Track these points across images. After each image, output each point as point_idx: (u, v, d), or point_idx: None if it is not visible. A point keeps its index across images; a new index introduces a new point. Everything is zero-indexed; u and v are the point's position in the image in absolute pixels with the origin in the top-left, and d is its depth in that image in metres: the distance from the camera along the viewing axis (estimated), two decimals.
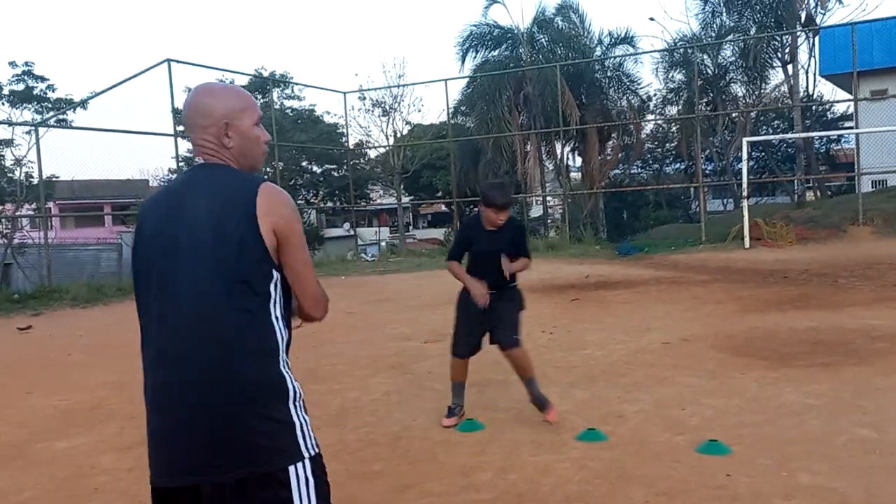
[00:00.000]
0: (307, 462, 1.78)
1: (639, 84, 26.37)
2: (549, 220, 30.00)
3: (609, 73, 26.18)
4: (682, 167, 31.96)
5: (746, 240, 16.28)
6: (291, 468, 1.74)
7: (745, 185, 17.57)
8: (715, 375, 5.57)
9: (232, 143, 1.90)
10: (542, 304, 9.84)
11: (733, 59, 25.21)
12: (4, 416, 5.50)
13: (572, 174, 29.67)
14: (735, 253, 15.54)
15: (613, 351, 6.64)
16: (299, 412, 1.80)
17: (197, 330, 1.75)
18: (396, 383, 5.88)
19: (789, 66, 24.53)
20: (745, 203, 17.24)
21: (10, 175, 20.52)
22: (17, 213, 20.56)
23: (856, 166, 18.31)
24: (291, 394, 1.79)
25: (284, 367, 1.81)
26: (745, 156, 17.88)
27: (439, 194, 31.46)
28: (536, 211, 33.02)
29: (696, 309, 8.71)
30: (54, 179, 19.71)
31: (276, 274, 1.81)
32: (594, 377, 5.74)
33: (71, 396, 6.01)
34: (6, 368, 7.33)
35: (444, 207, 41.42)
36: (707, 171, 27.87)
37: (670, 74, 26.44)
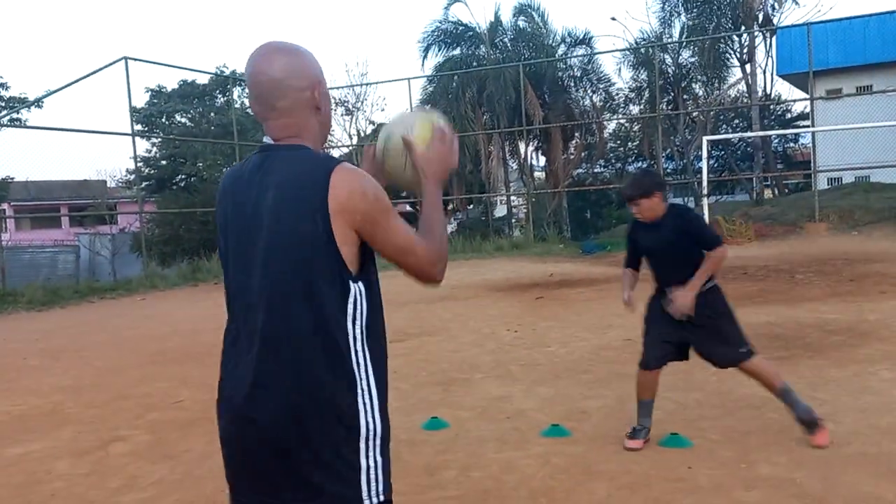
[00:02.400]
0: None
1: (601, 83, 26.67)
2: (514, 220, 30.15)
3: (571, 73, 26.41)
4: (645, 166, 32.38)
5: None
6: None
7: (704, 184, 17.87)
8: (676, 370, 5.58)
9: (323, 107, 1.70)
10: (506, 303, 9.89)
11: (693, 58, 25.63)
12: None
13: (536, 173, 29.86)
14: None
15: (577, 348, 6.69)
16: (370, 453, 1.58)
17: (254, 343, 1.58)
18: None
19: (747, 66, 25.02)
20: (705, 201, 17.54)
21: None
22: None
23: (812, 164, 18.74)
24: (363, 431, 1.57)
25: (361, 399, 1.58)
26: (704, 154, 18.19)
27: (404, 194, 31.35)
28: (501, 210, 33.15)
29: None
30: (9, 181, 19.20)
31: (354, 287, 1.58)
32: (558, 374, 5.77)
33: (26, 401, 5.86)
34: None
35: (408, 207, 41.33)
36: (668, 170, 28.28)
37: (633, 74, 26.82)
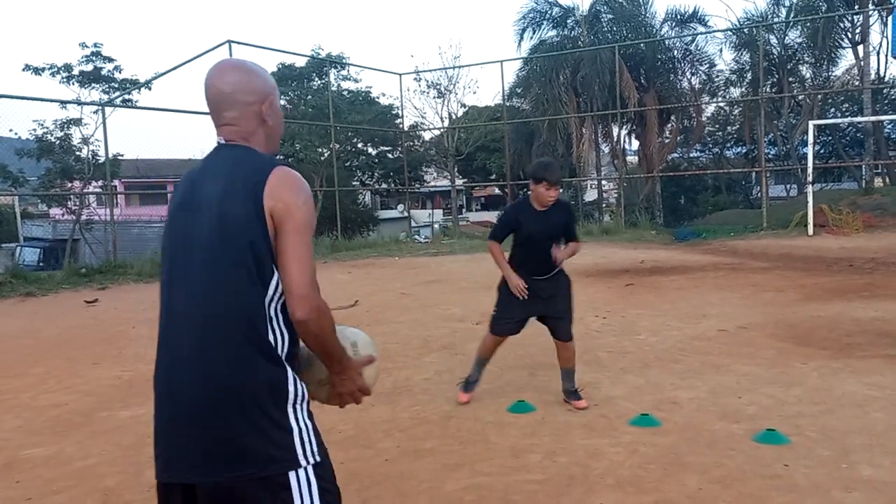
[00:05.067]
0: (310, 471, 1.69)
1: (702, 65, 25.72)
2: (604, 205, 29.61)
3: (670, 54, 25.58)
4: (744, 151, 31.12)
5: (810, 227, 15.80)
6: (292, 474, 1.67)
7: (810, 170, 17.01)
8: (774, 364, 5.45)
9: (271, 120, 1.90)
10: (595, 289, 9.75)
11: (801, 39, 24.35)
12: (72, 386, 5.73)
13: (628, 158, 29.19)
14: (798, 240, 15.10)
15: (668, 337, 6.54)
16: (300, 416, 1.72)
17: (192, 322, 1.70)
18: (448, 363, 5.91)
19: (860, 48, 23.56)
20: (809, 188, 16.71)
21: (77, 153, 21.19)
22: (85, 191, 21.26)
23: None
24: (291, 396, 1.70)
25: (283, 367, 1.71)
26: (811, 140, 17.29)
27: (493, 177, 31.35)
28: (591, 195, 32.64)
29: (756, 296, 8.50)
30: (119, 158, 20.30)
31: (276, 271, 1.72)
32: (648, 363, 5.67)
33: (134, 367, 6.22)
34: (74, 340, 7.62)
35: (497, 190, 41.26)
36: (770, 156, 27.06)
37: (734, 55, 25.73)
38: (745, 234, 16.86)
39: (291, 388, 1.70)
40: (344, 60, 27.61)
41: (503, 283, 4.66)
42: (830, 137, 28.41)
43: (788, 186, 31.10)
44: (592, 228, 19.35)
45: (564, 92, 24.26)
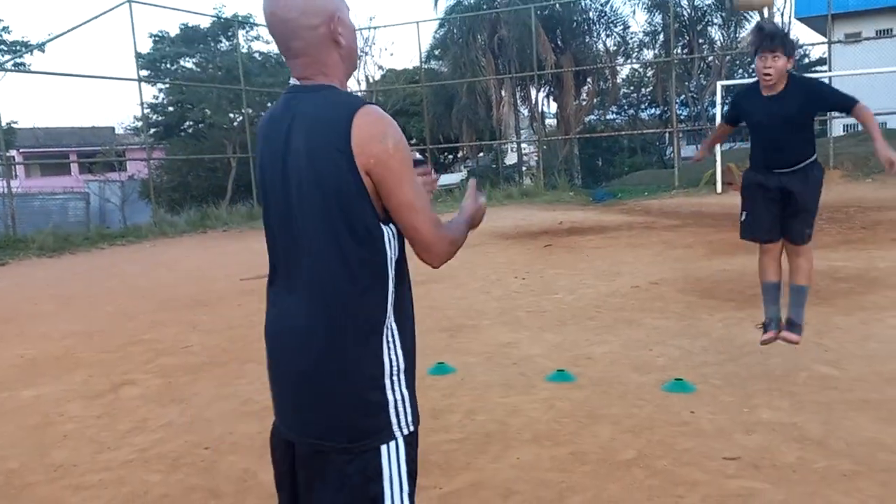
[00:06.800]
0: (400, 442, 1.62)
1: (616, 27, 26.11)
2: (524, 168, 29.92)
3: (586, 16, 25.83)
4: (658, 113, 31.91)
5: (718, 184, 16.39)
6: (384, 447, 1.60)
7: None
8: (682, 317, 5.65)
9: (343, 39, 1.63)
10: (515, 250, 9.88)
11: (710, 1, 25.01)
12: None
13: (547, 120, 29.49)
14: (707, 198, 15.66)
15: (584, 295, 6.69)
16: (396, 387, 1.62)
17: (297, 290, 1.62)
18: None
19: (765, 9, 24.37)
20: (718, 147, 17.29)
21: None
22: None
23: None
24: (387, 367, 1.60)
25: (385, 337, 1.61)
26: (718, 100, 17.87)
27: (413, 141, 31.14)
28: (511, 158, 32.88)
29: (666, 253, 8.79)
30: (14, 126, 19.15)
31: (385, 229, 1.59)
32: (565, 321, 5.79)
33: (38, 346, 5.95)
34: None
35: (417, 155, 41.00)
36: (682, 117, 27.86)
37: (647, 17, 26.21)
38: (658, 194, 17.37)
39: (387, 360, 1.60)
40: (252, 20, 26.69)
41: (743, 179, 4.12)
42: None
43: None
44: (513, 191, 19.54)
45: (482, 54, 24.21)
